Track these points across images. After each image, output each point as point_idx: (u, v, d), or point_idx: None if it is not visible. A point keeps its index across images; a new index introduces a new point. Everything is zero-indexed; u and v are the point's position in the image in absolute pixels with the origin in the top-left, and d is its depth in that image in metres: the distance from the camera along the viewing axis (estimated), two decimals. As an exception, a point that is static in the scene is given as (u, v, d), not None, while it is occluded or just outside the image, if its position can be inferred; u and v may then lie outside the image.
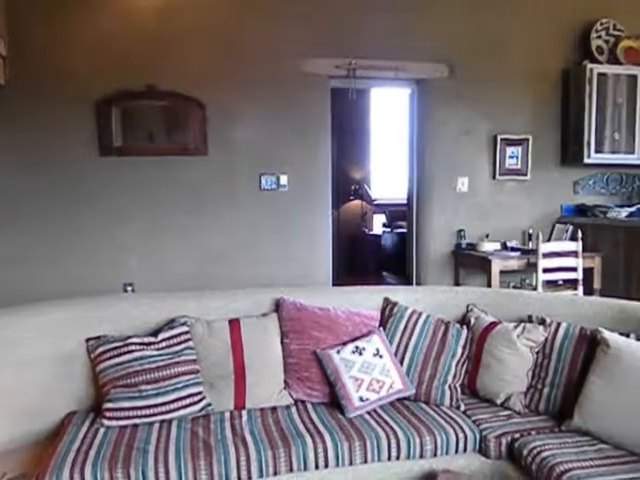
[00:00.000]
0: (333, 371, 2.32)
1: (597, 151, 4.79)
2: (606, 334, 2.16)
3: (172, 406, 2.14)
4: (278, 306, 2.52)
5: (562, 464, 1.85)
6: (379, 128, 8.81)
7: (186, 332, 2.31)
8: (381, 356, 2.38)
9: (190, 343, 2.29)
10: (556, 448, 1.96)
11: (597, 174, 5.16)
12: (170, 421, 2.13)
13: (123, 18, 4.24)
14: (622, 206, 4.94)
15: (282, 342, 2.44)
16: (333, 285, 4.74)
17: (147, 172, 4.34)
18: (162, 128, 4.37)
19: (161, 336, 2.27)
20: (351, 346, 2.38)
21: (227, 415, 2.22)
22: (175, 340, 2.27)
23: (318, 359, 2.37)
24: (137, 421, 2.10)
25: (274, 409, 2.28)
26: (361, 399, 2.25)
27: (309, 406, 2.32)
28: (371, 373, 2.32)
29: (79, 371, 2.26)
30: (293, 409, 2.29)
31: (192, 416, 2.18)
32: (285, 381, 2.39)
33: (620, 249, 4.47)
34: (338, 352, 2.36)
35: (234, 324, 2.38)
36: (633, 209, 4.89)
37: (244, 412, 2.25)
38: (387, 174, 8.73)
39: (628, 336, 2.21)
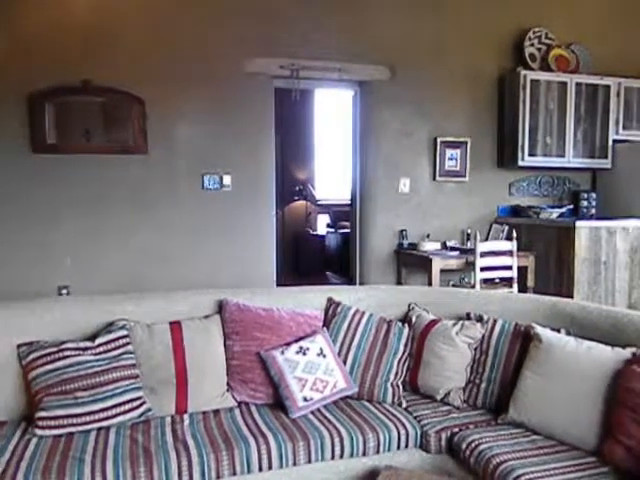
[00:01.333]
0: (277, 372, 2.31)
1: (530, 154, 5.00)
2: (539, 330, 2.25)
3: (110, 412, 2.07)
4: (221, 307, 2.49)
5: (498, 456, 1.92)
6: (323, 129, 8.86)
7: (125, 336, 2.25)
8: (325, 356, 2.39)
9: (129, 347, 2.23)
10: (492, 441, 2.03)
11: (530, 176, 5.39)
12: (108, 428, 2.06)
13: (57, 9, 4.07)
14: (553, 207, 5.19)
15: (225, 344, 2.41)
16: (277, 285, 4.74)
17: (84, 170, 4.19)
18: (99, 125, 4.23)
19: (98, 340, 2.20)
20: (295, 346, 2.38)
21: (168, 420, 2.17)
22: (113, 344, 2.20)
23: (262, 360, 2.36)
24: (72, 429, 2.02)
25: (217, 412, 2.25)
26: (305, 399, 2.25)
27: (253, 408, 2.31)
28: (315, 373, 2.33)
29: (9, 379, 2.15)
30: (236, 411, 2.27)
31: (131, 422, 2.11)
32: (228, 383, 2.37)
33: (552, 248, 4.69)
34: (282, 353, 2.35)
35: (175, 327, 2.33)
36: (563, 210, 5.15)
37: (186, 416, 2.20)
38: (331, 175, 8.79)
39: (559, 331, 2.32)
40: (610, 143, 5.17)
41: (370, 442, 2.10)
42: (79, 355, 2.13)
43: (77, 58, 4.10)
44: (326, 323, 2.59)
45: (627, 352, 2.01)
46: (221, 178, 4.51)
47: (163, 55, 4.29)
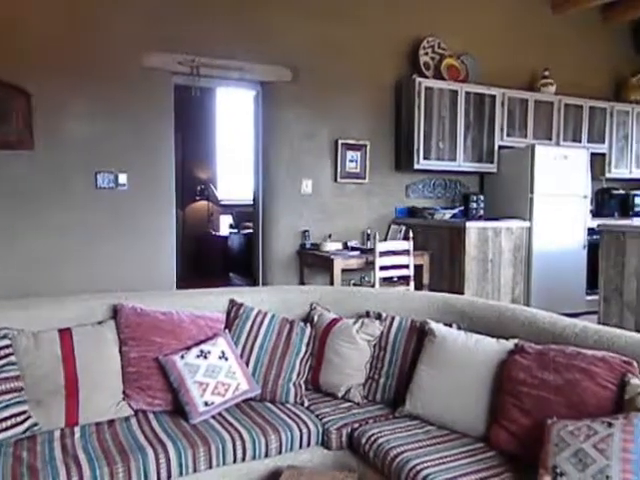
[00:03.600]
0: (177, 377, 2.24)
1: (425, 158, 5.25)
2: (432, 325, 2.37)
3: (-11, 430, 1.90)
4: (116, 312, 2.38)
5: (395, 448, 1.99)
6: (226, 128, 8.73)
7: (7, 346, 2.07)
8: (226, 358, 2.35)
9: (12, 358, 2.06)
10: (390, 434, 2.10)
11: (425, 179, 5.66)
12: (-13, 447, 1.90)
13: None
14: (446, 208, 5.49)
15: (121, 350, 2.30)
16: (177, 288, 4.60)
17: (-42, 166, 3.83)
18: (-23, 117, 3.89)
19: (-25, 352, 2.02)
20: (196, 350, 2.32)
21: (57, 434, 2.03)
22: (-7, 356, 2.02)
23: (161, 366, 2.28)
24: (-55, 451, 1.84)
25: (112, 422, 2.14)
26: (206, 404, 2.21)
27: (151, 416, 2.22)
28: (216, 377, 2.29)
29: None
30: (133, 420, 2.17)
31: (15, 439, 1.95)
32: (124, 392, 2.26)
33: (445, 247, 4.95)
34: (182, 357, 2.28)
35: (65, 334, 2.19)
36: (455, 211, 5.46)
37: (77, 429, 2.08)
38: (234, 175, 8.69)
39: (451, 326, 2.45)
40: (496, 149, 5.56)
41: (272, 443, 2.10)
42: (-48, 369, 1.94)
43: (-50, 43, 3.74)
44: (228, 325, 2.56)
45: (510, 343, 2.17)
46: (116, 177, 4.31)
47: (53, 45, 4.02)
